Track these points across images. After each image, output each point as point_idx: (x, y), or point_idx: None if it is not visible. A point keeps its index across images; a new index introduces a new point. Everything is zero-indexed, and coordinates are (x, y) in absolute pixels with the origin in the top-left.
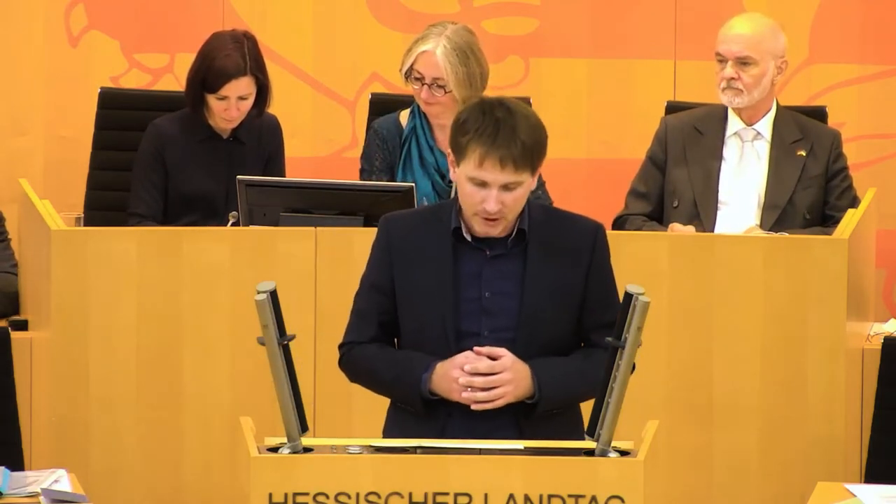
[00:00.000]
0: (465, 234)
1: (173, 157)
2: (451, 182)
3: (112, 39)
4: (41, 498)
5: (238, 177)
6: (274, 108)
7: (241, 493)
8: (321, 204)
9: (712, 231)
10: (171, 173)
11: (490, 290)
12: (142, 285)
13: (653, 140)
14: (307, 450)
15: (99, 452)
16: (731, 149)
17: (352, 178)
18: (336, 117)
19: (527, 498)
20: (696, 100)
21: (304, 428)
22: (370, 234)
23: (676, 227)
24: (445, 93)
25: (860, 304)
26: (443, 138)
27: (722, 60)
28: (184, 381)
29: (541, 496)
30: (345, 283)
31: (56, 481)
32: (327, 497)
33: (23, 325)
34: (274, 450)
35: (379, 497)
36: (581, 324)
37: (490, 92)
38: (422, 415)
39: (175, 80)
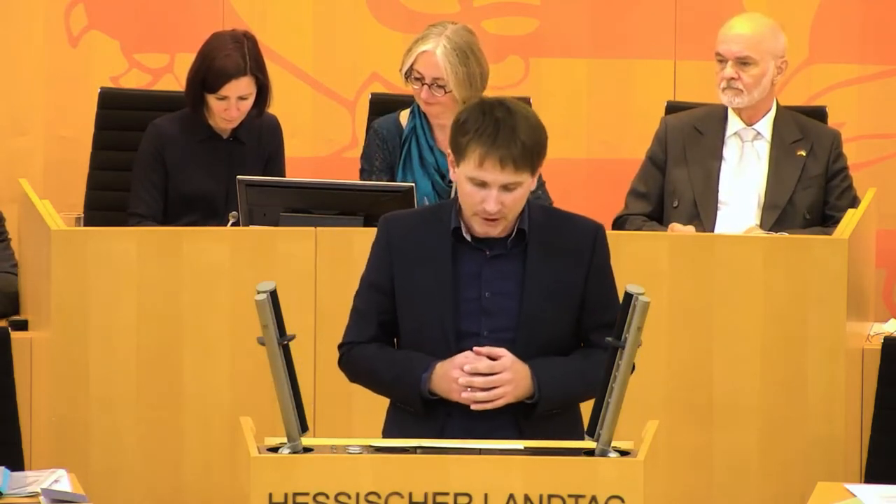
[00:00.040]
0: (464, 234)
1: (173, 157)
2: (451, 182)
3: (112, 39)
4: (41, 498)
5: (238, 177)
6: (274, 108)
7: (241, 493)
8: (321, 204)
9: (712, 231)
10: (171, 173)
11: (490, 290)
12: (142, 285)
13: (653, 140)
14: (307, 450)
15: (99, 452)
16: (731, 149)
17: (352, 178)
18: (336, 117)
19: (527, 498)
20: (696, 100)
21: (304, 428)
22: (370, 234)
23: (676, 227)
24: (445, 93)
25: (860, 304)
26: (443, 138)
27: (722, 60)
28: (184, 381)
29: (541, 496)
30: (345, 283)
31: (56, 481)
32: (327, 497)
33: (23, 325)
34: (274, 450)
35: (379, 497)
36: (581, 324)
37: (490, 92)
38: (421, 415)
39: (175, 80)
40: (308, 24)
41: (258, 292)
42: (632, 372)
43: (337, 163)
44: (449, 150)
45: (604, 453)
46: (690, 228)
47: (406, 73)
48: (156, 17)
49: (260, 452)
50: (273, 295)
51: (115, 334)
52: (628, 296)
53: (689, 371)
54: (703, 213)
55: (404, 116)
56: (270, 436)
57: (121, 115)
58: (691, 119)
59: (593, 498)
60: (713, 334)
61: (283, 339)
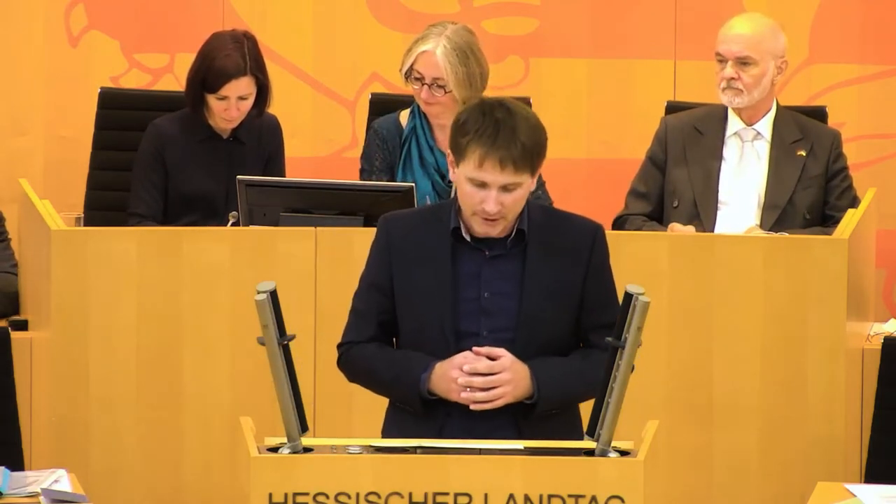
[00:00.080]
0: (464, 235)
1: (173, 157)
2: (451, 182)
3: (112, 39)
4: (41, 498)
5: (238, 177)
6: (274, 108)
7: (241, 493)
8: (321, 204)
9: (712, 231)
10: (171, 173)
11: (489, 290)
12: (142, 285)
13: (653, 140)
14: (307, 450)
15: (99, 452)
16: (731, 149)
17: (352, 178)
18: (336, 117)
19: (527, 498)
20: (696, 100)
21: (304, 428)
22: (370, 234)
23: (676, 227)
24: (445, 93)
25: (860, 304)
26: (443, 138)
27: (722, 60)
28: (184, 381)
29: (541, 496)
30: (345, 283)
31: (56, 481)
32: (327, 497)
33: (23, 325)
34: (274, 450)
35: (379, 497)
36: (580, 324)
37: (490, 92)
38: (420, 415)
39: (175, 80)
40: (308, 24)
41: (258, 292)
42: (631, 372)
43: (337, 163)
44: (448, 151)
45: (604, 453)
46: (690, 228)
47: (406, 73)
48: (156, 17)
49: (260, 452)
50: (273, 295)
51: (115, 334)
52: (628, 296)
53: (689, 371)
54: (703, 213)
55: (404, 116)
56: (270, 436)
57: (121, 115)
58: (691, 119)
59: (593, 498)
60: (713, 334)
61: (283, 339)
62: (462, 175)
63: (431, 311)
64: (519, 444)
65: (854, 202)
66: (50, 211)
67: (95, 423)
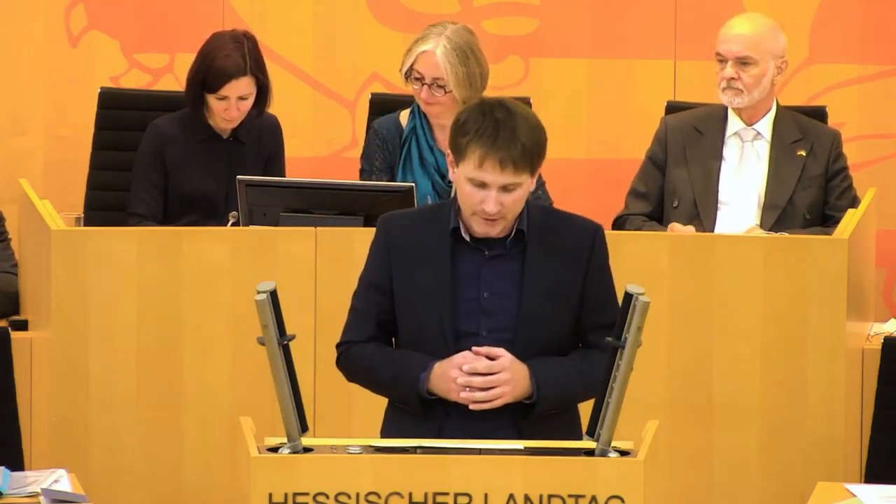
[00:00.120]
0: (463, 234)
1: (173, 157)
2: (451, 182)
3: (112, 39)
4: (41, 498)
5: (238, 177)
6: (274, 108)
7: (241, 493)
8: (321, 204)
9: (712, 231)
10: (171, 173)
11: (488, 290)
12: (142, 285)
13: (653, 140)
14: (307, 450)
15: (99, 452)
16: (731, 149)
17: (352, 178)
18: (336, 117)
19: (527, 498)
20: (696, 100)
21: (304, 428)
22: (370, 234)
23: (676, 227)
24: (445, 93)
25: (860, 304)
26: (443, 138)
27: (722, 60)
28: (184, 381)
29: (541, 496)
30: (345, 283)
31: (56, 481)
32: (327, 497)
33: (23, 325)
34: (274, 450)
35: (379, 497)
36: (579, 324)
37: (490, 92)
38: (420, 414)
39: (175, 80)
40: (308, 24)
41: (258, 292)
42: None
43: (337, 163)
44: (448, 151)
45: (604, 453)
46: (690, 228)
47: (406, 73)
48: (156, 17)
49: (260, 452)
50: (273, 295)
51: (115, 334)
52: (628, 296)
53: (689, 371)
54: (703, 213)
55: (404, 116)
56: (270, 436)
57: (121, 115)
58: (691, 119)
59: (593, 498)
60: (713, 334)
61: (283, 339)
62: (462, 175)
63: (431, 311)
64: (519, 444)
65: (854, 202)
66: (50, 211)
67: (95, 423)
